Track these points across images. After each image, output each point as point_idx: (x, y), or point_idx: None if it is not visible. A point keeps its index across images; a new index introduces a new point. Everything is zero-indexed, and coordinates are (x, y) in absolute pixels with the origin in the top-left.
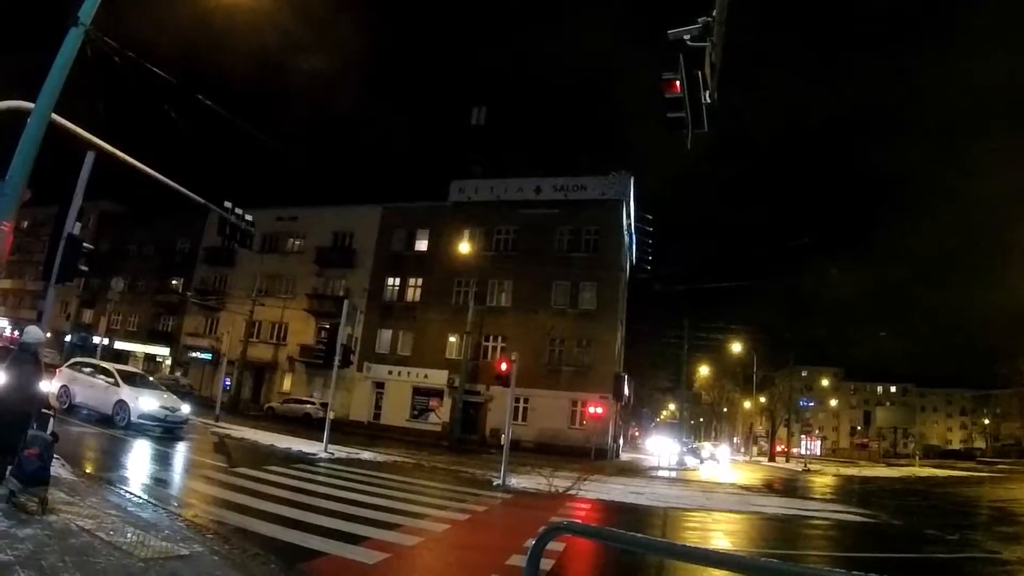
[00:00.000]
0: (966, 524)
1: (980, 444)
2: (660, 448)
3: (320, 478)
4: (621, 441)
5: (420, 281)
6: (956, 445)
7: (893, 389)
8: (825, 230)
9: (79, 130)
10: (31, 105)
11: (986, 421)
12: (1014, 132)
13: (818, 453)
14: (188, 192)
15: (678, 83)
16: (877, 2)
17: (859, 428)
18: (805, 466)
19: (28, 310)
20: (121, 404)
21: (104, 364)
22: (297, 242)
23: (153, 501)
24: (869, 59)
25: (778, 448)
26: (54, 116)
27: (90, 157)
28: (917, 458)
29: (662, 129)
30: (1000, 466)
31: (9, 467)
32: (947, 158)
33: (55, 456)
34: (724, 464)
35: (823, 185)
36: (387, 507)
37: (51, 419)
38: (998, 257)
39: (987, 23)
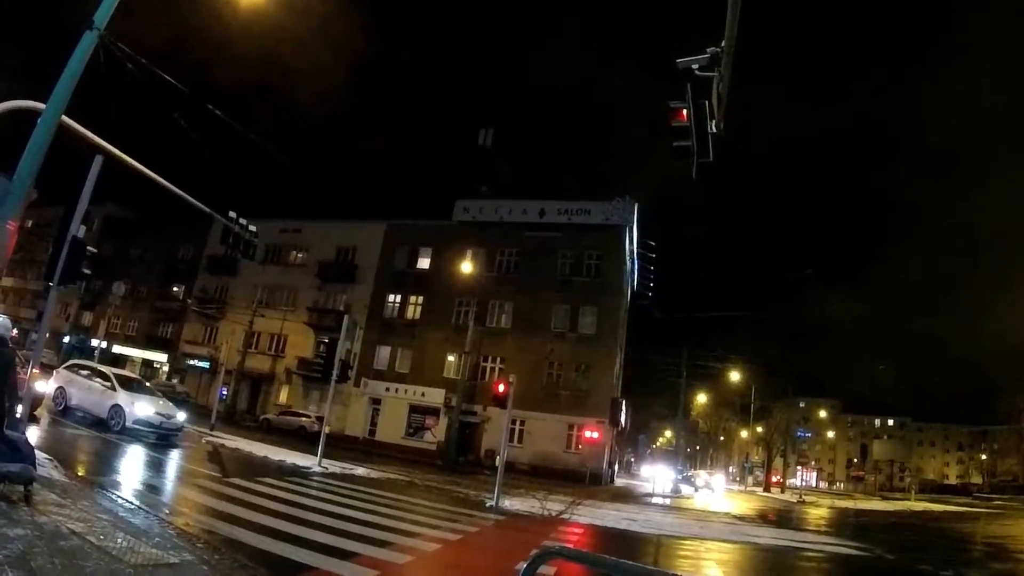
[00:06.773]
0: (961, 560)
1: (977, 479)
2: (655, 475)
3: (313, 492)
4: (616, 467)
5: (421, 299)
6: (953, 480)
7: (891, 423)
8: (825, 258)
9: (89, 133)
10: (42, 106)
11: (983, 457)
12: (1015, 159)
13: (814, 484)
14: (193, 200)
15: (685, 112)
16: (875, 26)
17: (855, 460)
18: (800, 497)
19: (28, 309)
20: (116, 408)
21: (101, 367)
22: (300, 255)
23: (144, 507)
24: (868, 82)
25: (774, 479)
26: (64, 118)
27: (98, 161)
28: (913, 492)
29: (660, 153)
30: (996, 502)
31: None
32: (947, 186)
33: (48, 457)
34: (719, 493)
35: (822, 211)
36: (379, 524)
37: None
38: (999, 291)
39: (986, 45)
